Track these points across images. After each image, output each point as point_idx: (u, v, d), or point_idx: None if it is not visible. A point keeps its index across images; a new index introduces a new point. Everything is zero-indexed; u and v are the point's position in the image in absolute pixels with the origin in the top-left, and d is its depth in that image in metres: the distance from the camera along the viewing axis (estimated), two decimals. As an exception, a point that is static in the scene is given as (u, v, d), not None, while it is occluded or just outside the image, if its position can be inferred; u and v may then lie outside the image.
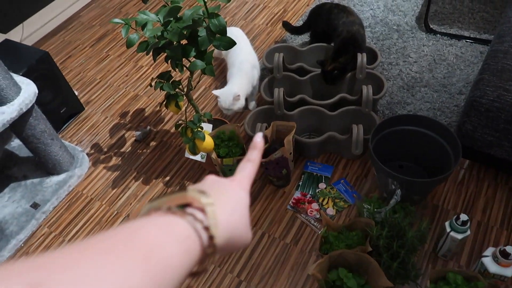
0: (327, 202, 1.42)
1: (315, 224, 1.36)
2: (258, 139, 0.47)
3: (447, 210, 1.34)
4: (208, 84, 1.92)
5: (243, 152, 1.36)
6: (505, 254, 0.99)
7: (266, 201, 1.45)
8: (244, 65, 1.59)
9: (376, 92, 1.51)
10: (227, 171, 1.35)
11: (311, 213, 1.39)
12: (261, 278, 1.26)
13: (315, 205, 1.41)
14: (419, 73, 1.77)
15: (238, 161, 1.31)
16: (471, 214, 1.32)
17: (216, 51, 1.94)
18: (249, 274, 1.27)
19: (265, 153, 1.36)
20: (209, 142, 1.27)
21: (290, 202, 1.43)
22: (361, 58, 1.53)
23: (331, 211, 1.39)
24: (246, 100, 1.66)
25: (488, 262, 1.03)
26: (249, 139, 1.64)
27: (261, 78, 1.69)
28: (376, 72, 1.58)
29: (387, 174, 1.20)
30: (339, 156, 1.55)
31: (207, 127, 1.39)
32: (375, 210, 1.13)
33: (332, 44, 1.68)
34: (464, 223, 1.09)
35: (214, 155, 1.29)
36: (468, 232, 1.11)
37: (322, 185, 1.47)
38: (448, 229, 1.12)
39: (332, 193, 1.44)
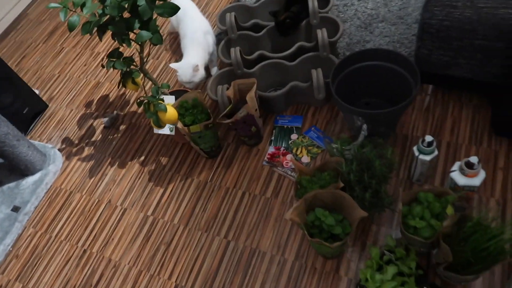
0: (301, 151, 1.43)
1: (292, 174, 1.38)
2: None
3: (416, 137, 1.37)
4: (168, 59, 1.89)
5: (208, 117, 1.35)
6: (469, 165, 1.02)
7: (242, 161, 1.46)
8: (196, 34, 1.56)
9: (334, 35, 1.50)
10: (197, 139, 1.35)
11: (286, 165, 1.41)
12: (247, 235, 1.29)
13: (289, 157, 1.42)
14: (374, 9, 1.76)
15: (205, 127, 1.31)
16: (440, 137, 1.35)
17: (170, 24, 1.90)
18: (236, 233, 1.30)
19: (231, 114, 1.36)
20: (171, 112, 1.26)
21: (265, 158, 1.45)
22: (312, 3, 1.51)
23: (306, 159, 1.41)
24: (207, 69, 1.65)
25: (456, 176, 1.06)
26: (214, 104, 1.64)
27: (218, 42, 1.66)
28: (330, 15, 1.56)
29: (350, 111, 1.21)
30: (307, 105, 1.55)
31: (169, 99, 1.37)
32: (343, 148, 1.14)
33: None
34: (429, 144, 1.11)
35: (180, 125, 1.29)
36: (436, 152, 1.13)
37: (294, 136, 1.48)
38: (416, 153, 1.15)
39: (304, 142, 1.45)
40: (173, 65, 1.47)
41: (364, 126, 1.21)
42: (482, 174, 1.04)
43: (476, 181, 1.04)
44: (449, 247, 0.92)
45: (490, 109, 1.37)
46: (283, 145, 1.46)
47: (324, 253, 1.14)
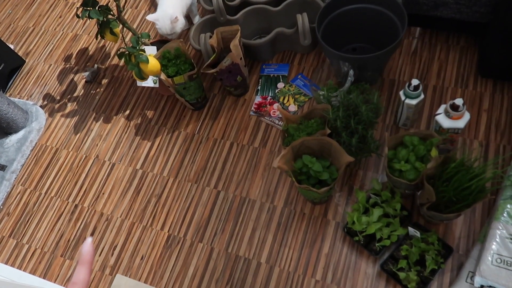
0: (288, 100, 1.42)
1: (279, 123, 1.38)
2: (86, 248, 0.38)
3: (403, 82, 1.36)
4: (148, 7, 1.80)
5: (192, 68, 1.32)
6: (455, 107, 1.03)
7: (229, 112, 1.45)
8: None
9: (319, -24, 1.43)
10: (182, 90, 1.32)
11: (274, 114, 1.40)
12: (237, 184, 1.31)
13: (276, 106, 1.41)
14: None
15: (190, 77, 1.28)
16: (426, 81, 1.34)
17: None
18: (225, 184, 1.31)
19: (216, 64, 1.33)
20: (154, 63, 1.22)
21: (252, 107, 1.43)
22: None
23: (293, 107, 1.40)
24: (188, 18, 1.58)
25: (441, 118, 1.07)
26: (197, 54, 1.59)
27: (199, -12, 1.58)
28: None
29: (336, 57, 1.19)
30: (293, 52, 1.52)
31: (151, 50, 1.33)
32: (330, 94, 1.13)
33: None
34: (416, 87, 1.11)
35: (163, 76, 1.26)
36: (422, 96, 1.13)
37: (280, 85, 1.46)
38: (402, 97, 1.15)
39: (291, 90, 1.44)
40: (150, 17, 1.38)
41: (351, 72, 1.19)
42: (466, 116, 1.05)
43: (461, 123, 1.05)
44: (433, 188, 0.95)
45: (476, 51, 1.35)
46: (270, 95, 1.45)
47: (312, 199, 1.17)
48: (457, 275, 1.04)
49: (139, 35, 1.22)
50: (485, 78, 1.30)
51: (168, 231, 1.27)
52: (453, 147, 1.18)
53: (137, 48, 1.19)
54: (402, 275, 1.03)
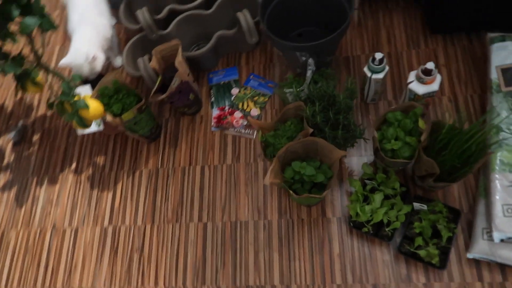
0: (248, 105, 1.32)
1: (246, 131, 1.28)
2: None
3: (358, 56, 1.32)
4: (62, 41, 1.59)
5: (138, 98, 1.17)
6: (427, 72, 0.99)
7: (188, 134, 1.32)
8: (88, 12, 1.23)
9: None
10: (133, 127, 1.17)
11: (237, 124, 1.29)
12: (222, 210, 1.19)
13: (238, 113, 1.31)
14: None
15: (139, 110, 1.13)
16: (379, 50, 1.31)
17: None
18: (210, 213, 1.19)
19: (163, 87, 1.19)
20: (95, 106, 1.06)
21: (212, 123, 1.32)
22: None
23: (255, 111, 1.30)
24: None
25: (415, 86, 1.03)
26: (136, 80, 1.44)
27: (117, 6, 1.40)
28: None
29: (291, 48, 1.11)
30: (238, 52, 1.42)
31: (85, 91, 1.15)
32: (298, 90, 1.05)
33: None
34: (380, 61, 1.06)
35: (109, 118, 1.10)
36: (387, 68, 1.09)
37: (234, 91, 1.35)
38: (368, 74, 1.10)
39: (247, 93, 1.34)
40: (62, 62, 1.12)
41: (310, 61, 1.12)
42: (438, 78, 1.03)
43: (435, 86, 1.02)
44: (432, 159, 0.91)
45: (418, 10, 1.35)
46: (227, 104, 1.34)
47: (308, 203, 1.09)
48: (471, 236, 1.02)
49: (69, 79, 1.04)
50: (434, 34, 1.30)
51: (164, 285, 1.12)
52: (427, 110, 1.16)
53: (71, 94, 1.02)
54: (422, 253, 0.99)
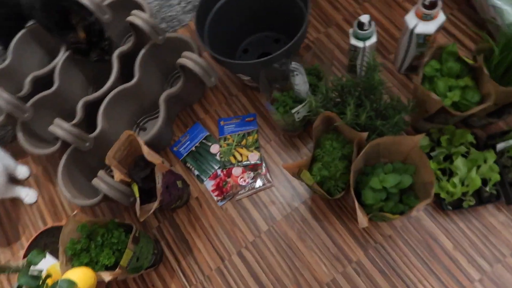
0: (240, 155, 1.05)
1: (259, 183, 1.01)
2: None
3: (317, 38, 1.14)
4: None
5: (126, 227, 0.84)
6: (432, 4, 0.84)
7: (195, 228, 1.01)
8: None
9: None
10: (137, 264, 0.83)
11: (244, 181, 1.02)
12: (297, 285, 0.91)
13: (236, 170, 1.04)
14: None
15: (135, 241, 0.81)
16: (332, 23, 1.15)
17: None
18: (287, 299, 0.91)
19: (149, 193, 0.87)
20: (82, 276, 0.71)
21: (215, 197, 1.02)
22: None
23: (254, 157, 1.04)
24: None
25: (423, 27, 0.87)
26: (93, 209, 1.09)
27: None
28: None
29: (263, 64, 0.88)
30: (188, 107, 1.14)
31: (50, 262, 0.79)
32: (315, 102, 0.82)
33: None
34: (369, 23, 0.89)
35: (107, 276, 0.75)
36: (374, 26, 0.92)
37: (214, 148, 1.08)
38: (360, 45, 0.92)
39: (232, 143, 1.07)
40: None
41: (294, 64, 0.90)
42: (439, 3, 0.87)
43: (442, 16, 0.87)
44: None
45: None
46: (216, 168, 1.06)
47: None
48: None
49: (25, 263, 0.68)
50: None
51: None
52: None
53: (40, 279, 0.66)
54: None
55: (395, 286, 0.87)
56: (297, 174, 0.79)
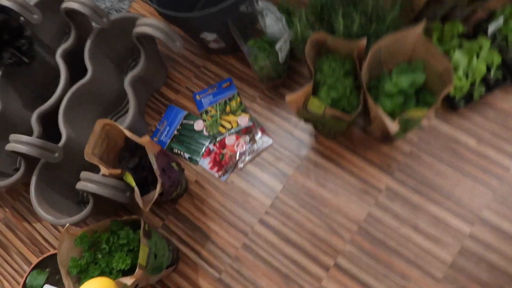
0: (229, 123, 0.96)
1: (258, 143, 0.92)
2: None
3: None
4: None
5: (132, 223, 0.72)
6: None
7: (204, 211, 0.90)
8: None
9: None
10: (156, 263, 0.71)
11: (241, 147, 0.93)
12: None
13: (229, 139, 0.94)
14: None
15: (147, 235, 0.69)
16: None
17: None
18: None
19: (143, 185, 0.76)
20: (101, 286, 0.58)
21: (215, 173, 0.92)
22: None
23: (243, 120, 0.95)
24: None
25: None
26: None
27: None
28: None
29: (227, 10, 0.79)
30: (157, 92, 1.03)
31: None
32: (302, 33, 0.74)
33: None
34: None
35: (130, 281, 0.63)
36: None
37: (198, 125, 0.98)
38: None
39: (215, 114, 0.97)
40: None
41: (260, 3, 0.83)
42: None
43: None
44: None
45: None
46: (206, 143, 0.96)
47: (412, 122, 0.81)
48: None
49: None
50: None
51: None
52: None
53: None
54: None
55: (432, 200, 0.82)
56: (302, 107, 0.71)
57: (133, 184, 0.71)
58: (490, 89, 0.84)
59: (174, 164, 0.83)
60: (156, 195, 0.71)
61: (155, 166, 0.71)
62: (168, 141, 0.98)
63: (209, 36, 0.90)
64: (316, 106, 0.69)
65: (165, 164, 0.78)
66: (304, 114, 0.73)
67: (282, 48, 0.80)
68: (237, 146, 0.93)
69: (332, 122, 0.73)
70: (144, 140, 0.72)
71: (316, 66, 0.75)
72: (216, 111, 0.97)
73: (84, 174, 0.71)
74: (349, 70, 0.72)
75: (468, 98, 0.84)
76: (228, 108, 0.97)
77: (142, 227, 0.68)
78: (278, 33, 0.85)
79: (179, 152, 0.96)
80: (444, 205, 0.81)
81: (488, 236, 0.78)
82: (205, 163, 0.94)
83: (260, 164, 0.92)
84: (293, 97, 0.68)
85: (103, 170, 0.71)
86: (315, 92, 0.75)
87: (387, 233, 0.81)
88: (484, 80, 0.84)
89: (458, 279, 0.77)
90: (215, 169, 0.93)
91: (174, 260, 0.84)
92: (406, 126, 0.70)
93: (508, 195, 0.80)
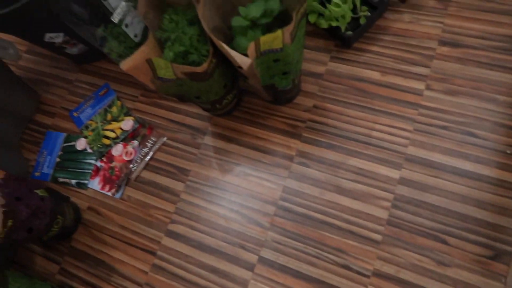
0: (111, 132, 0.83)
1: (148, 146, 0.79)
2: None
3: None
4: None
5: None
6: None
7: (104, 240, 0.75)
8: None
9: None
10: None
11: (130, 155, 0.79)
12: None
13: (115, 150, 0.80)
14: None
15: None
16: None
17: None
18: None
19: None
20: None
21: (109, 194, 0.78)
22: None
23: (127, 123, 0.82)
24: None
25: None
26: None
27: None
28: None
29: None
30: (32, 117, 0.90)
31: None
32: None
33: None
34: None
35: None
36: None
37: (80, 144, 0.84)
38: None
39: (96, 126, 0.84)
40: None
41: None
42: None
43: None
44: None
45: None
46: (93, 161, 0.82)
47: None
48: None
49: None
50: None
51: None
52: None
53: None
54: None
55: (352, 151, 0.69)
56: (154, 77, 0.58)
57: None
58: (377, 9, 0.73)
59: (40, 191, 0.68)
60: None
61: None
62: (51, 171, 0.83)
63: (56, 38, 0.77)
64: (162, 67, 0.56)
65: (20, 190, 0.64)
66: (159, 84, 0.61)
67: (127, 21, 0.68)
68: (125, 154, 0.80)
69: (195, 86, 0.61)
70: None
71: (159, 26, 0.62)
72: (97, 123, 0.84)
73: None
74: (191, 18, 0.60)
75: (355, 26, 0.73)
76: (109, 116, 0.84)
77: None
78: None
79: (65, 180, 0.82)
80: (365, 153, 0.69)
81: (418, 172, 0.66)
82: (95, 184, 0.80)
83: (156, 168, 0.78)
84: (129, 63, 0.55)
85: None
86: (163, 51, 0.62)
87: (309, 205, 0.68)
88: (366, 1, 0.73)
89: (400, 235, 0.64)
90: (107, 187, 0.79)
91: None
92: (269, 61, 0.57)
93: (431, 123, 0.68)
